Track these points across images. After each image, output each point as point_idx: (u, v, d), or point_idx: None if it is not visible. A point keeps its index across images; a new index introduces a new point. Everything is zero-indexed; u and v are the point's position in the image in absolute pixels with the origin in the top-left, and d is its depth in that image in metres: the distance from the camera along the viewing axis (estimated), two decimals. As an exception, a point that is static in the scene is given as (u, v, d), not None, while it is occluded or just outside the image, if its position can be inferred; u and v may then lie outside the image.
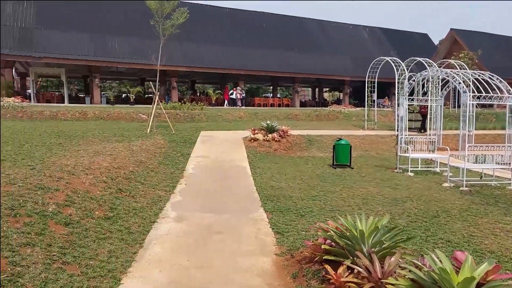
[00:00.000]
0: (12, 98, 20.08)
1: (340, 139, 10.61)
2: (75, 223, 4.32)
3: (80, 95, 33.46)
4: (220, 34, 30.00)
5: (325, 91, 41.45)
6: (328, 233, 3.78)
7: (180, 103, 21.38)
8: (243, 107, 26.43)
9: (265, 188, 7.47)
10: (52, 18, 24.76)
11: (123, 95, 34.14)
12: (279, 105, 31.32)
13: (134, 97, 25.94)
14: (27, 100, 21.96)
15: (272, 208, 6.09)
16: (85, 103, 25.58)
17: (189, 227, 5.13)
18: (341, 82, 34.42)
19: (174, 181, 7.68)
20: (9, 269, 3.09)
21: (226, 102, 28.90)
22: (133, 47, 25.95)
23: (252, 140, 12.35)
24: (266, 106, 30.29)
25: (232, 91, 28.49)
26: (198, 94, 34.55)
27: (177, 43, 24.86)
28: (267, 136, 12.41)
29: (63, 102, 25.05)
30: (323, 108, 27.56)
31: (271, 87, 39.14)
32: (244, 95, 29.49)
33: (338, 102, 34.80)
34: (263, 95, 45.78)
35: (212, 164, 9.69)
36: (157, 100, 13.19)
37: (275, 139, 12.27)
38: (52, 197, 4.71)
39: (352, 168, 9.93)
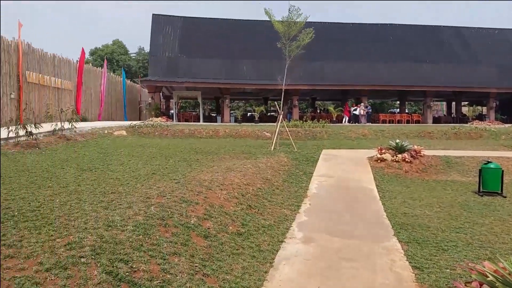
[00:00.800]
0: (159, 118, 23.44)
1: (489, 161, 9.11)
2: (212, 236, 4.65)
3: (212, 115, 37.05)
4: (342, 50, 29.66)
5: (464, 105, 36.68)
6: (488, 279, 3.17)
7: (301, 121, 21.68)
8: (367, 124, 25.29)
9: (396, 214, 6.86)
10: (192, 48, 28.31)
11: (248, 113, 36.50)
12: (408, 122, 28.97)
13: (258, 115, 27.41)
14: (170, 120, 25.36)
15: (407, 238, 5.52)
16: (216, 122, 28.21)
17: (317, 250, 5.00)
18: (484, 94, 30.03)
19: (298, 200, 7.69)
20: (161, 275, 3.46)
21: (346, 118, 28.16)
22: (259, 69, 27.69)
23: (378, 160, 11.61)
24: (393, 123, 28.37)
25: (355, 107, 27.65)
26: (318, 111, 34.55)
27: (300, 62, 25.46)
28: (396, 156, 11.50)
29: (199, 121, 28.10)
30: (462, 125, 24.36)
31: (398, 102, 36.57)
32: (370, 111, 28.28)
33: (480, 117, 30.31)
34: (389, 110, 43.12)
35: (336, 184, 9.41)
36: (281, 119, 13.61)
37: (406, 159, 11.27)
38: (193, 210, 5.19)
39: (505, 197, 8.39)
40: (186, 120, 28.29)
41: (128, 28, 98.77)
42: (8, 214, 4.42)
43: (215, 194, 6.16)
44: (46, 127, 12.78)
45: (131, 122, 21.48)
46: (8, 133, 11.11)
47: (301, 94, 29.80)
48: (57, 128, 13.20)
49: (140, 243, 3.84)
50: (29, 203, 4.95)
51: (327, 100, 46.73)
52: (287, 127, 15.93)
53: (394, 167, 11.11)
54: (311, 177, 9.83)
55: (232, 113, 30.36)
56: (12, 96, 16.34)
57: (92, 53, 48.60)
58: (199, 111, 30.24)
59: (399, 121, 28.86)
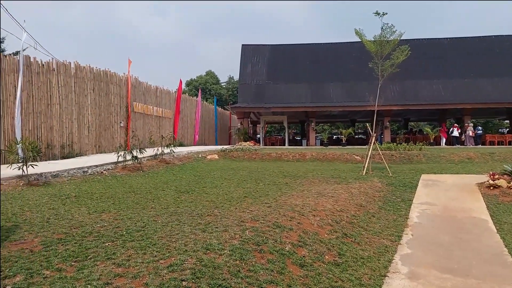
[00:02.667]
0: (247, 142, 24.15)
1: None
2: (308, 265, 4.39)
3: (296, 138, 37.04)
4: (439, 67, 27.45)
5: None
6: None
7: (394, 143, 20.30)
8: (471, 146, 22.63)
9: (523, 251, 5.77)
10: (278, 74, 29.02)
11: (334, 136, 35.59)
12: (522, 143, 25.19)
13: (345, 138, 26.52)
14: (258, 144, 25.97)
15: (543, 282, 4.55)
16: (301, 145, 28.04)
17: (427, 290, 4.38)
18: None
19: (398, 229, 7.00)
20: (259, 305, 3.31)
21: (444, 140, 25.59)
22: (346, 90, 27.05)
23: (491, 187, 10.12)
24: (502, 144, 24.92)
25: (452, 128, 25.06)
26: (412, 132, 32.12)
27: (391, 82, 24.20)
28: (515, 182, 9.90)
29: (284, 145, 28.25)
30: None
31: (507, 121, 32.23)
32: (480, 132, 25.24)
33: None
34: (500, 130, 38.18)
35: (441, 213, 8.39)
36: (373, 141, 12.86)
37: (528, 186, 9.62)
38: (287, 236, 5.01)
39: None
40: (272, 144, 28.68)
41: (220, 59, 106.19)
42: (117, 233, 4.78)
43: (308, 220, 5.92)
44: (149, 151, 14.01)
45: (222, 146, 22.52)
46: (118, 157, 12.44)
47: (393, 115, 28.13)
48: (158, 153, 14.40)
49: (237, 268, 3.77)
50: (135, 223, 5.32)
51: (421, 121, 43.36)
52: (380, 149, 15.01)
53: (511, 195, 9.56)
54: (410, 205, 8.95)
55: (317, 136, 29.91)
56: (122, 124, 18.42)
57: (188, 84, 53.00)
58: (285, 135, 30.46)
59: (510, 143, 25.23)
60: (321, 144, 27.21)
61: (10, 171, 9.18)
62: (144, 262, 3.76)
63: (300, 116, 31.63)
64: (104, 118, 17.09)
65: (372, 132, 13.28)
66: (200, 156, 17.02)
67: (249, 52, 30.54)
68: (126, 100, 18.71)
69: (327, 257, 4.85)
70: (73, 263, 3.71)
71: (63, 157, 14.19)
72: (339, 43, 30.45)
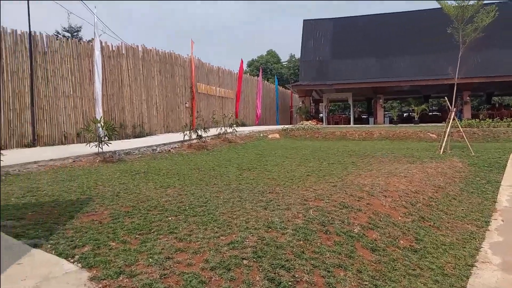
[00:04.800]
0: (309, 121, 23.51)
1: None
2: (381, 250, 3.97)
3: (362, 116, 35.33)
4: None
5: None
6: None
7: (475, 119, 18.28)
8: None
9: None
10: (342, 49, 27.58)
11: (404, 114, 33.28)
12: None
13: (418, 115, 24.57)
14: (321, 123, 25.19)
15: None
16: (368, 124, 26.62)
17: (527, 285, 3.72)
18: None
19: (484, 214, 6.17)
20: (326, 290, 3.02)
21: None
22: (419, 63, 24.87)
23: None
24: None
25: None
26: (497, 107, 28.75)
27: (471, 52, 21.64)
28: None
29: (349, 123, 27.07)
30: None
31: None
32: None
33: None
34: None
35: (538, 197, 7.26)
36: (453, 117, 11.58)
37: None
38: (355, 217, 4.61)
39: None
40: (336, 123, 27.66)
41: (281, 37, 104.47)
42: (180, 208, 4.77)
43: (378, 201, 5.41)
44: (212, 131, 14.21)
45: (283, 126, 22.22)
46: (184, 136, 12.79)
47: (474, 89, 25.34)
48: (221, 132, 14.56)
49: (301, 249, 3.49)
50: (198, 199, 5.28)
51: (507, 95, 38.70)
52: (460, 126, 13.55)
53: None
54: (498, 187, 7.89)
55: (386, 114, 28.14)
56: (187, 105, 18.95)
57: (249, 64, 53.09)
58: (349, 113, 29.17)
59: None
60: (390, 122, 25.58)
61: (88, 148, 9.85)
62: (205, 237, 3.65)
63: (367, 93, 29.95)
64: (170, 99, 17.69)
65: (452, 107, 11.95)
66: (261, 135, 16.91)
67: (311, 28, 29.37)
68: (190, 81, 19.13)
69: (402, 241, 4.36)
70: (137, 236, 3.73)
71: (135, 136, 14.99)
72: (408, 11, 27.84)
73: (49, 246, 3.43)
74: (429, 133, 15.49)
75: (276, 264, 3.13)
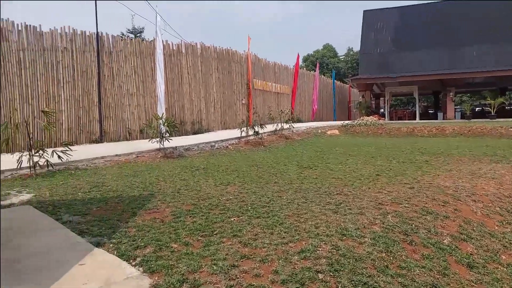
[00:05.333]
0: (371, 116, 22.29)
1: None
2: (480, 267, 3.33)
3: (429, 111, 32.90)
4: None
5: None
6: None
7: None
8: None
9: None
10: (406, 39, 25.76)
11: (476, 108, 30.41)
12: None
13: (495, 109, 22.19)
14: (383, 118, 23.78)
15: None
16: (435, 119, 24.62)
17: None
18: None
19: None
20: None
21: None
22: (494, 52, 22.42)
23: None
24: None
25: None
26: None
27: None
28: None
29: (414, 119, 25.26)
30: None
31: None
32: None
33: None
34: None
35: None
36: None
37: None
38: (443, 226, 3.97)
39: None
40: (399, 118, 25.96)
41: (338, 30, 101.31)
42: (243, 208, 4.48)
43: (467, 206, 4.68)
44: (269, 127, 13.91)
45: (342, 121, 21.31)
46: (241, 133, 12.65)
47: None
48: (277, 128, 14.22)
49: (384, 263, 3.00)
50: (260, 198, 4.97)
51: None
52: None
53: None
54: None
55: (456, 108, 25.82)
56: (243, 101, 18.87)
57: (305, 59, 52.09)
58: (414, 108, 27.23)
59: None
60: (462, 117, 23.38)
61: (150, 144, 10.05)
62: (272, 243, 3.30)
63: (434, 86, 27.72)
64: (227, 96, 17.70)
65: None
66: (319, 131, 16.28)
67: (372, 18, 27.82)
68: (246, 78, 19.02)
69: (504, 257, 3.66)
70: (199, 238, 3.49)
71: (194, 133, 15.19)
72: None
73: (111, 245, 3.31)
74: (510, 129, 13.78)
75: (357, 281, 2.68)
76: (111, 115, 12.56)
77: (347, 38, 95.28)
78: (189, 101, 15.38)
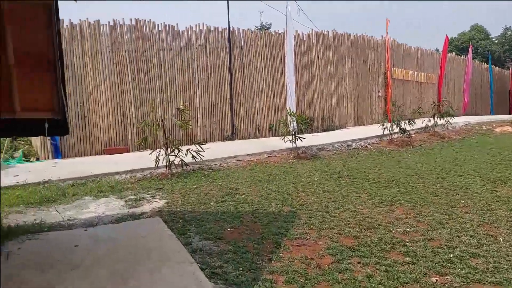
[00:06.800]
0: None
1: None
2: None
3: None
4: None
5: None
6: None
7: None
8: None
9: None
10: None
11: None
12: None
13: None
14: None
15: None
16: None
17: None
18: None
19: None
20: None
21: None
22: None
23: None
24: None
25: None
26: None
27: None
28: None
29: None
30: None
31: None
32: None
33: None
34: None
35: None
36: None
37: None
38: None
39: None
40: None
41: (489, 6, 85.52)
42: (437, 253, 2.95)
43: None
44: (418, 123, 11.60)
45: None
46: (383, 130, 10.77)
47: None
48: (428, 125, 11.78)
49: None
50: (457, 236, 3.36)
51: None
52: None
53: None
54: None
55: None
56: (380, 93, 16.64)
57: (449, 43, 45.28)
58: None
59: None
60: None
61: (281, 142, 9.18)
62: None
63: None
64: (361, 88, 15.80)
65: None
66: (484, 128, 13.05)
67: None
68: (384, 66, 16.71)
69: None
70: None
71: (324, 130, 13.87)
72: None
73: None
74: None
75: None
76: (241, 112, 12.19)
77: (499, 16, 79.54)
78: (319, 95, 14.10)
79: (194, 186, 5.76)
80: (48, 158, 8.62)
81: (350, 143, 10.36)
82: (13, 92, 3.64)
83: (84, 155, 9.47)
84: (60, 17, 10.10)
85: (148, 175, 7.00)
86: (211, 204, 4.63)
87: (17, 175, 6.50)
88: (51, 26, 3.63)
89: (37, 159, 8.41)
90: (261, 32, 14.13)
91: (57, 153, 8.70)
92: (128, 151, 9.81)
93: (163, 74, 10.78)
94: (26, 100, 3.73)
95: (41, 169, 7.12)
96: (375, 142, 10.75)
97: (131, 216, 4.17)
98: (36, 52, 3.77)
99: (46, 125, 3.78)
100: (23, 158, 8.16)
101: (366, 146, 10.31)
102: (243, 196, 4.96)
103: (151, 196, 5.16)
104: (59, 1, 3.66)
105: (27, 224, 3.71)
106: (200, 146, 7.25)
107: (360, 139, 10.70)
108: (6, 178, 6.27)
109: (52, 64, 3.69)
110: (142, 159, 7.03)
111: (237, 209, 4.35)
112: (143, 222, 3.89)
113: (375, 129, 11.26)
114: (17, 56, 3.59)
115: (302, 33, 13.79)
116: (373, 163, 7.78)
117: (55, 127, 3.92)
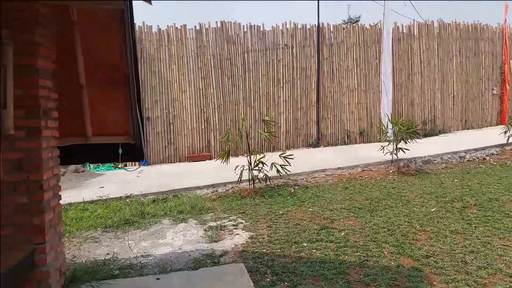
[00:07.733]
0: None
1: None
2: None
3: None
4: None
5: None
6: None
7: None
8: None
9: None
10: None
11: None
12: None
13: None
14: None
15: None
16: None
17: None
18: None
19: None
20: None
21: None
22: None
23: None
24: None
25: None
26: None
27: None
28: None
29: None
30: None
31: None
32: None
33: None
34: None
35: None
36: None
37: None
38: None
39: None
40: None
41: None
42: None
43: None
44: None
45: None
46: (508, 138, 8.80)
47: None
48: None
49: None
50: None
51: None
52: None
53: None
54: None
55: None
56: (494, 91, 14.04)
57: None
58: None
59: None
60: None
61: (375, 152, 7.96)
62: None
63: None
64: (471, 86, 13.45)
65: None
66: None
67: None
68: (500, 59, 14.05)
69: None
70: None
71: (425, 135, 12.05)
72: None
73: None
74: None
75: None
76: (328, 116, 11.10)
77: None
78: (420, 95, 12.28)
79: (280, 212, 4.97)
80: (134, 165, 8.65)
81: (463, 154, 8.67)
82: (84, 115, 3.22)
83: (169, 162, 9.39)
84: (147, 23, 9.89)
85: (230, 190, 6.46)
86: (304, 244, 3.77)
87: (102, 187, 6.43)
88: (125, 36, 3.12)
89: (125, 165, 8.48)
90: (353, 26, 12.78)
91: (143, 159, 8.70)
92: (210, 158, 9.50)
93: (247, 78, 10.24)
94: (98, 123, 3.31)
95: (126, 179, 7.02)
96: (495, 153, 8.88)
97: (210, 256, 3.53)
98: (109, 68, 3.32)
99: (120, 151, 3.31)
100: (112, 165, 8.27)
101: (484, 158, 8.51)
102: (342, 234, 4.00)
103: (233, 225, 4.50)
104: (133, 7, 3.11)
105: (95, 265, 3.28)
106: (286, 160, 6.46)
107: (476, 150, 8.93)
108: (92, 190, 6.23)
109: (127, 81, 3.19)
110: (224, 169, 6.52)
111: (338, 257, 3.42)
112: (224, 271, 3.18)
113: (488, 134, 9.38)
114: (88, 74, 3.16)
115: (402, 25, 12.13)
116: (502, 183, 6.18)
117: (130, 152, 3.44)
